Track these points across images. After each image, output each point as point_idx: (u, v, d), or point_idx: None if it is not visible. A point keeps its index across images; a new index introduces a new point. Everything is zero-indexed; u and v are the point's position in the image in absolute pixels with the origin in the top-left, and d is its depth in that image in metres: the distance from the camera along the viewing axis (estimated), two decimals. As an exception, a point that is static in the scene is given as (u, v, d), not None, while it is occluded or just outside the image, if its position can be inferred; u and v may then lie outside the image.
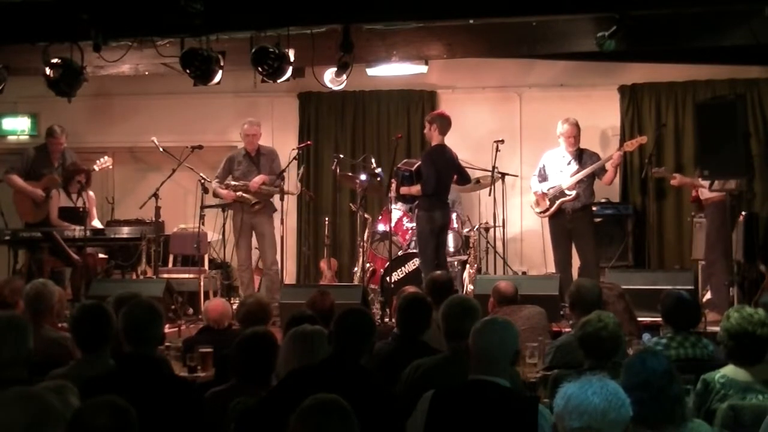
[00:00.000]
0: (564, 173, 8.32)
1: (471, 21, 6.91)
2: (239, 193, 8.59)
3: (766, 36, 6.75)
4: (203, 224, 8.53)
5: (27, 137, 10.71)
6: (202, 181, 8.58)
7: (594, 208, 8.71)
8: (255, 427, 3.41)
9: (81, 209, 8.34)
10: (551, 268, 8.46)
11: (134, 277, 8.65)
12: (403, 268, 8.43)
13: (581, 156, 8.35)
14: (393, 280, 8.12)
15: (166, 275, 8.60)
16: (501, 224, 8.71)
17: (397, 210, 8.73)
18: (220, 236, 8.83)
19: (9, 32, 7.21)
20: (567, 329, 6.07)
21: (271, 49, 6.83)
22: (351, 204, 9.49)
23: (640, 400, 2.96)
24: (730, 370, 3.93)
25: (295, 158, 8.98)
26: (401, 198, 8.32)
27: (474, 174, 8.90)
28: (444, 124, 8.09)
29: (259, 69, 6.93)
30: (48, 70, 7.19)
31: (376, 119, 10.14)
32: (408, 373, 4.13)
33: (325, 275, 9.41)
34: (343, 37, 6.79)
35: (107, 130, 10.54)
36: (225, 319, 5.87)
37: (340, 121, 10.18)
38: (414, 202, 8.21)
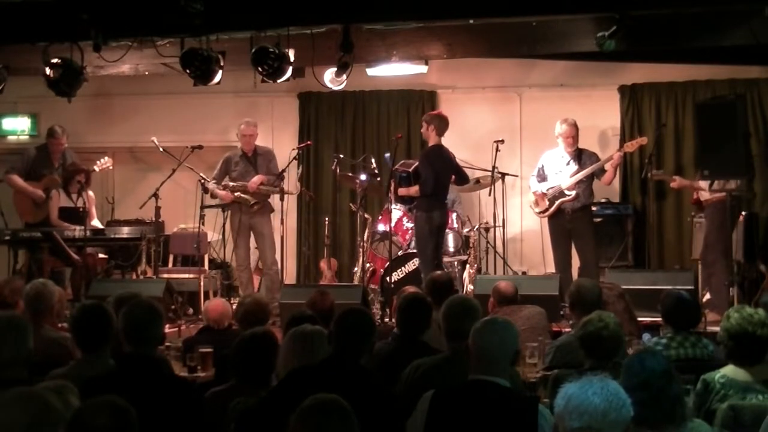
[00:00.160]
0: (563, 173, 8.30)
1: (471, 21, 6.91)
2: (237, 194, 8.59)
3: (766, 36, 6.75)
4: (203, 224, 8.52)
5: (27, 137, 10.71)
6: (202, 181, 8.58)
7: (594, 208, 8.70)
8: (255, 427, 3.41)
9: (81, 209, 8.33)
10: (551, 268, 8.45)
11: (134, 277, 8.64)
12: (403, 268, 8.42)
13: (580, 156, 8.33)
14: (393, 280, 8.11)
15: (166, 275, 8.59)
16: (501, 224, 8.70)
17: (397, 210, 8.71)
18: (220, 236, 8.83)
19: (9, 32, 7.21)
20: (567, 329, 6.07)
21: (271, 49, 6.83)
22: (351, 204, 9.49)
23: (640, 400, 2.96)
24: (730, 370, 3.93)
25: (295, 158, 8.96)
26: (400, 199, 8.30)
27: (474, 174, 8.91)
28: (441, 124, 8.06)
29: (259, 69, 6.92)
30: (48, 70, 7.18)
31: (376, 119, 10.14)
32: (408, 373, 4.13)
33: (325, 275, 9.41)
34: (343, 37, 6.79)
35: (107, 130, 10.54)
36: (225, 319, 5.87)
37: (340, 121, 10.18)
38: (412, 202, 8.19)
